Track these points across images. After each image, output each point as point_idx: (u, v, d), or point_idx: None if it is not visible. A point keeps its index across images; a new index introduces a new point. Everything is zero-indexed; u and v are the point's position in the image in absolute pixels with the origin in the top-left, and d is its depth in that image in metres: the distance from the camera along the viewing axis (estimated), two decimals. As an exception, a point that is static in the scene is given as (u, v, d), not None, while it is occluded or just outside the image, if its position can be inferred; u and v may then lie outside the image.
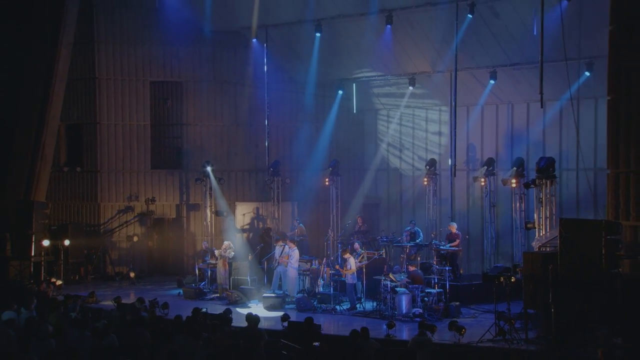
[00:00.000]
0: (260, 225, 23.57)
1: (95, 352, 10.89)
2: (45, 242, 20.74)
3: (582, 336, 13.40)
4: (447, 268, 17.92)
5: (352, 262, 17.76)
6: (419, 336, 12.43)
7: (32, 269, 20.43)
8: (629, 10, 13.79)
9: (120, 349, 11.15)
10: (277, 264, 19.05)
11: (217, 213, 22.32)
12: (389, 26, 20.37)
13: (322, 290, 18.45)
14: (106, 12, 23.00)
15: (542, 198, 16.50)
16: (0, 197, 21.63)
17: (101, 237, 22.66)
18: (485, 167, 20.31)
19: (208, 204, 22.32)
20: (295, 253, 18.93)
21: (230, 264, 19.59)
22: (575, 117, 17.49)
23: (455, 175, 21.24)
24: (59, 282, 19.93)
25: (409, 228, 20.34)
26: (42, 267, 20.64)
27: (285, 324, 14.77)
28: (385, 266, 18.59)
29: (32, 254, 20.48)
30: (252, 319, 13.03)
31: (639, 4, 13.68)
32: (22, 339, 11.53)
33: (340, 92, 24.08)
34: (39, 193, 21.62)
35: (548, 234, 16.11)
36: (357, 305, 17.78)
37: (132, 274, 21.82)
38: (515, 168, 18.82)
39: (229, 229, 22.55)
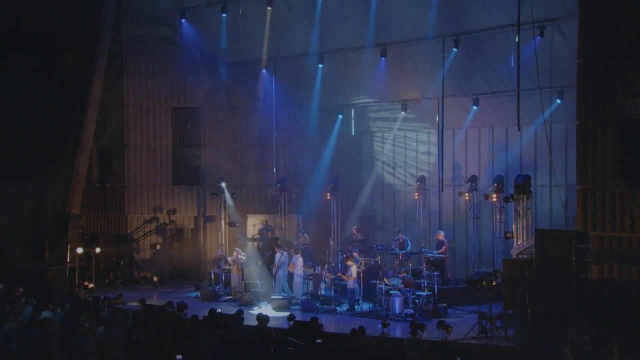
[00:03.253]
0: (269, 235, 23.63)
1: (123, 347, 10.97)
2: (79, 250, 20.82)
3: (555, 333, 13.44)
4: (435, 273, 17.96)
5: (354, 269, 17.79)
6: (413, 337, 12.44)
7: (67, 274, 20.52)
8: (595, 46, 13.95)
9: (145, 344, 11.22)
10: (276, 269, 19.11)
11: (230, 224, 22.39)
12: (383, 58, 20.52)
13: (324, 292, 18.48)
14: (134, 47, 23.11)
15: (519, 211, 16.55)
16: (40, 211, 21.80)
17: (128, 245, 22.75)
18: (469, 183, 20.39)
19: (222, 215, 22.38)
20: (299, 260, 18.99)
21: (242, 269, 19.66)
22: (548, 139, 17.58)
23: (442, 191, 21.33)
24: (91, 285, 20.01)
25: (396, 237, 20.43)
26: (76, 272, 20.72)
27: (291, 323, 14.83)
28: (380, 271, 18.62)
29: (68, 260, 20.59)
30: (262, 318, 13.10)
31: (603, 42, 13.84)
32: (58, 336, 11.63)
33: (340, 116, 24.21)
34: (74, 206, 21.73)
35: (525, 242, 16.15)
36: (355, 307, 17.81)
37: (155, 278, 21.86)
38: (495, 184, 18.87)
39: (240, 238, 22.63)
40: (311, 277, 19.13)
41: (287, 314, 15.77)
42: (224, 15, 21.05)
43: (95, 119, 22.26)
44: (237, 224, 22.55)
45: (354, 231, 22.06)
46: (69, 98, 21.86)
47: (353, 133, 24.56)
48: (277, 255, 19.29)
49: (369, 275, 18.30)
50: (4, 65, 20.38)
